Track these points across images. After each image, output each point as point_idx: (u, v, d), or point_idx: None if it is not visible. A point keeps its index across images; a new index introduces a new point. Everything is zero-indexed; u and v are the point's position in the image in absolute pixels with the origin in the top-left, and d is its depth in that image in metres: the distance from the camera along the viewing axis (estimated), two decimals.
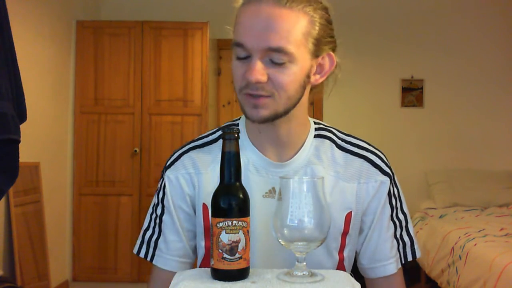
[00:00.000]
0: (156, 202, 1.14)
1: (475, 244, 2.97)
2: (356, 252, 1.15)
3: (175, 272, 1.06)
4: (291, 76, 0.97)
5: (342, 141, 1.12)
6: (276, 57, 0.95)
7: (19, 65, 1.50)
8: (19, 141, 1.42)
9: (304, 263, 0.86)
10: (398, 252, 1.12)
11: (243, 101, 1.01)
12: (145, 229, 1.15)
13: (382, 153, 1.15)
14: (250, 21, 0.96)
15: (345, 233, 1.08)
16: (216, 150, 1.10)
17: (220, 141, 0.89)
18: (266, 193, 1.06)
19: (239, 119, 1.17)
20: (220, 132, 1.12)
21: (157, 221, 1.13)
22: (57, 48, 3.70)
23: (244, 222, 0.85)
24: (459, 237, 3.20)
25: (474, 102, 4.59)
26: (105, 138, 3.93)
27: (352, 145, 1.12)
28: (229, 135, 0.89)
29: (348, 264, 1.12)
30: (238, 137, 0.89)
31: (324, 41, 1.02)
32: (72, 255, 3.89)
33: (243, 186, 0.89)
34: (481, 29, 4.60)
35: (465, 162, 4.52)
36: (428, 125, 4.59)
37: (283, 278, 0.85)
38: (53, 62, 3.66)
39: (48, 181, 3.48)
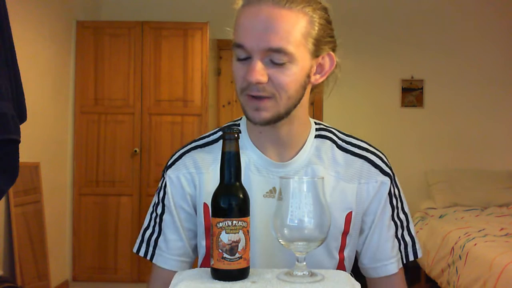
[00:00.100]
0: (157, 201, 1.14)
1: (475, 244, 2.97)
2: (357, 252, 1.15)
3: (175, 271, 1.08)
4: (292, 76, 0.98)
5: (343, 141, 1.13)
6: (276, 57, 0.96)
7: (19, 65, 1.50)
8: (19, 141, 1.42)
9: (304, 263, 0.86)
10: (399, 252, 1.13)
11: (244, 103, 1.01)
12: (145, 228, 1.16)
13: (383, 154, 1.15)
14: (250, 22, 0.96)
15: (345, 233, 1.08)
16: (217, 150, 1.10)
17: (221, 141, 0.89)
18: (267, 193, 1.06)
19: (240, 119, 1.17)
20: (221, 132, 1.12)
21: (157, 220, 1.13)
22: (57, 48, 3.70)
23: (244, 222, 0.85)
24: (459, 237, 3.20)
25: (474, 102, 4.59)
26: (105, 138, 3.93)
27: (353, 146, 1.12)
28: (229, 135, 0.89)
29: (348, 264, 1.12)
30: (238, 137, 0.89)
31: (324, 41, 1.02)
32: (72, 255, 3.89)
33: (243, 186, 0.89)
34: (481, 30, 4.60)
35: (465, 162, 4.52)
36: (428, 125, 4.59)
37: (283, 278, 0.85)
38: (53, 62, 3.66)
39: (48, 181, 3.48)
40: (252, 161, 1.08)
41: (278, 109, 1.00)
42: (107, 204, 3.91)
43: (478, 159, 4.53)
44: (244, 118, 1.14)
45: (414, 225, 1.19)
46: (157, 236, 1.13)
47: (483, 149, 4.56)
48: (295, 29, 0.96)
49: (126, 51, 3.94)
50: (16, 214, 3.06)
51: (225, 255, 0.84)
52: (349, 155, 1.11)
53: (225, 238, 0.84)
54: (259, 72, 0.96)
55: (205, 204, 1.08)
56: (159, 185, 1.15)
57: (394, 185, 1.13)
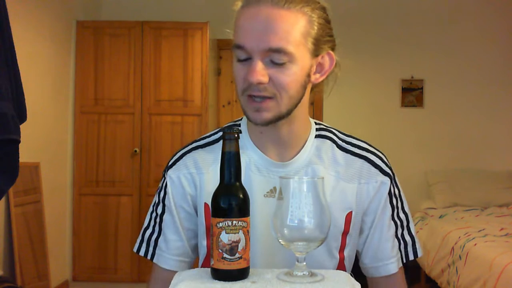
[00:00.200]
0: (157, 201, 1.15)
1: (475, 244, 2.97)
2: (357, 252, 1.16)
3: (175, 271, 1.08)
4: (292, 76, 0.98)
5: (343, 141, 1.13)
6: (276, 57, 0.96)
7: (19, 65, 1.50)
8: (19, 141, 1.42)
9: (304, 263, 0.86)
10: (399, 252, 1.13)
11: (245, 104, 1.02)
12: (145, 227, 1.16)
13: (383, 154, 1.16)
14: (250, 23, 0.97)
15: (345, 233, 1.08)
16: (218, 150, 1.10)
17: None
18: (268, 192, 1.06)
19: (241, 119, 1.17)
20: (222, 132, 1.12)
21: (158, 220, 1.14)
22: (57, 48, 3.70)
23: (244, 222, 0.85)
24: (459, 237, 3.20)
25: (474, 102, 4.59)
26: (105, 138, 3.93)
27: (353, 146, 1.13)
28: (229, 135, 0.89)
29: (348, 263, 1.12)
30: (238, 137, 0.89)
31: (323, 40, 1.02)
32: (72, 255, 3.89)
33: (243, 186, 0.89)
34: (481, 30, 4.60)
35: (465, 162, 4.52)
36: (428, 125, 4.59)
37: (283, 278, 0.85)
38: (53, 62, 3.66)
39: (48, 181, 3.48)
40: (253, 161, 1.08)
41: (279, 109, 1.00)
42: (107, 204, 3.91)
43: (478, 159, 4.52)
44: (244, 118, 1.15)
45: (414, 225, 1.19)
46: (157, 236, 1.13)
47: (483, 149, 4.56)
48: (295, 29, 0.97)
49: (126, 51, 3.94)
50: (16, 214, 3.06)
51: (225, 255, 0.84)
52: (349, 155, 1.11)
53: (225, 238, 0.84)
54: (260, 72, 0.96)
55: (205, 204, 1.08)
56: (160, 185, 1.15)
57: (394, 185, 1.13)
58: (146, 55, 3.93)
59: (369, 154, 1.12)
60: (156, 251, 1.13)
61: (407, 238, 1.15)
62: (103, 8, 4.57)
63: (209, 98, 3.99)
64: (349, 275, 0.91)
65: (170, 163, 1.14)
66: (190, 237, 1.13)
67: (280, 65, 0.97)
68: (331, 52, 1.06)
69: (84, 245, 3.89)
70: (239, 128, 1.12)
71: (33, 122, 2.57)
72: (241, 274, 0.85)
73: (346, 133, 1.16)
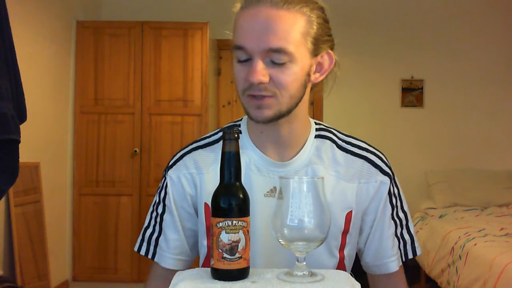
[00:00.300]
0: (158, 200, 1.15)
1: (475, 244, 2.97)
2: (358, 251, 1.17)
3: (174, 270, 1.09)
4: (292, 76, 0.99)
5: (343, 141, 1.14)
6: (276, 57, 0.97)
7: (19, 65, 1.50)
8: (19, 141, 1.42)
9: (304, 263, 0.86)
10: (399, 250, 1.14)
11: (246, 103, 1.02)
12: (146, 227, 1.17)
13: (382, 153, 1.16)
14: (249, 24, 0.98)
15: (345, 232, 1.09)
16: (218, 150, 1.10)
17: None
18: (268, 192, 1.07)
19: (241, 119, 1.18)
20: (222, 133, 1.13)
21: (158, 219, 1.15)
22: (57, 48, 3.70)
23: (244, 222, 0.85)
24: (459, 237, 3.20)
25: (474, 102, 4.59)
26: (105, 138, 3.93)
27: (353, 146, 1.13)
28: (229, 135, 0.89)
29: (348, 262, 1.13)
30: (238, 137, 0.89)
31: (322, 40, 1.03)
32: (72, 255, 3.89)
33: (243, 186, 0.89)
34: (481, 30, 4.60)
35: (465, 162, 4.52)
36: (428, 125, 4.59)
37: (283, 278, 0.85)
38: (53, 62, 3.66)
39: (48, 181, 3.48)
40: (253, 161, 1.09)
41: (279, 107, 1.01)
42: (107, 204, 3.91)
43: (478, 159, 4.52)
44: (244, 118, 1.15)
45: (414, 225, 1.21)
46: (157, 235, 1.14)
47: (483, 149, 4.56)
48: (294, 29, 0.97)
49: (126, 51, 3.94)
50: (16, 214, 3.06)
51: (225, 255, 0.84)
52: (349, 155, 1.12)
53: (225, 238, 0.84)
54: (261, 72, 0.97)
55: (206, 204, 1.09)
56: (160, 184, 1.16)
57: (394, 184, 1.14)
58: (146, 55, 3.93)
59: (369, 154, 1.13)
60: (157, 250, 1.14)
61: (406, 236, 1.16)
62: (103, 8, 4.57)
63: (209, 98, 3.99)
64: (349, 275, 0.91)
65: (170, 163, 1.15)
66: (190, 236, 1.14)
67: (280, 65, 0.97)
68: (330, 51, 1.07)
69: (84, 245, 3.89)
70: (239, 128, 1.13)
71: (33, 122, 2.57)
72: (241, 274, 0.85)
73: (345, 133, 1.17)
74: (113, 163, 3.92)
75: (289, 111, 1.02)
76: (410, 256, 1.16)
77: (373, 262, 1.14)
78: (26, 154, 2.34)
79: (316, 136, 1.12)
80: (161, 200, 1.14)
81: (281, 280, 0.84)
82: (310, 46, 1.01)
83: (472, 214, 3.90)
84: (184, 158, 1.13)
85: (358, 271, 1.16)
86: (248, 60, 0.99)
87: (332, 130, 1.16)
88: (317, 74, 1.06)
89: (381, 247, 1.12)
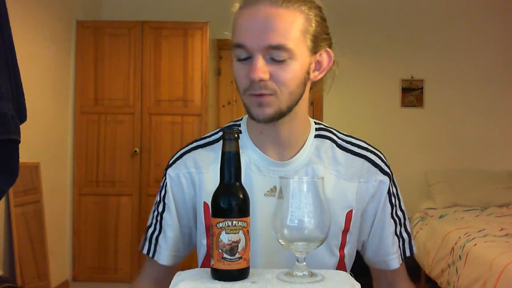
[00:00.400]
0: (158, 199, 1.17)
1: (475, 244, 2.97)
2: (362, 248, 1.18)
3: (165, 269, 1.13)
4: (292, 73, 1.00)
5: (343, 141, 1.14)
6: (276, 54, 0.98)
7: (19, 65, 1.50)
8: (19, 141, 1.42)
9: (304, 263, 0.86)
10: (399, 249, 1.16)
11: (248, 102, 1.03)
12: (148, 226, 1.18)
13: (382, 153, 1.17)
14: (249, 22, 0.99)
15: (346, 231, 1.10)
16: (218, 150, 1.11)
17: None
18: (268, 191, 1.07)
19: (241, 119, 1.18)
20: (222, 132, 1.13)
21: (159, 218, 1.16)
22: (57, 48, 3.70)
23: (244, 222, 0.85)
24: (459, 237, 3.20)
25: (474, 102, 4.59)
26: (105, 138, 3.93)
27: (353, 145, 1.14)
28: (229, 135, 0.89)
29: (348, 261, 1.13)
30: (238, 137, 0.89)
31: (321, 38, 1.05)
32: (72, 255, 3.89)
33: (243, 186, 0.89)
34: (481, 30, 4.60)
35: (465, 162, 4.52)
36: (428, 125, 4.59)
37: (283, 278, 0.85)
38: (53, 62, 3.66)
39: (48, 181, 3.48)
40: (253, 160, 1.09)
41: (279, 105, 1.01)
42: (107, 204, 3.91)
43: (478, 159, 4.52)
44: (244, 118, 1.16)
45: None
46: (158, 234, 1.15)
47: (483, 149, 4.56)
48: (293, 26, 0.99)
49: (126, 51, 3.94)
50: (16, 214, 3.06)
51: (225, 255, 0.84)
52: (349, 154, 1.12)
53: (225, 238, 0.84)
54: (261, 69, 0.98)
55: (205, 204, 1.09)
56: (161, 184, 1.17)
57: (393, 183, 1.15)
58: (146, 55, 3.93)
59: (369, 153, 1.14)
60: (157, 249, 1.15)
61: (404, 235, 1.17)
62: (103, 8, 4.57)
63: (209, 98, 3.99)
64: (349, 275, 0.91)
65: (170, 162, 1.16)
66: (186, 234, 1.16)
67: (280, 62, 0.98)
68: (329, 49, 1.08)
69: (84, 245, 3.89)
70: (239, 128, 1.13)
71: (33, 122, 2.57)
72: (241, 274, 0.85)
73: (345, 133, 1.18)
74: (113, 163, 3.92)
75: (289, 109, 1.03)
76: (408, 254, 1.17)
77: (375, 259, 1.16)
78: (26, 154, 2.35)
79: (316, 136, 1.12)
80: (161, 199, 1.15)
81: (281, 280, 0.84)
82: (309, 43, 1.02)
83: (472, 214, 3.90)
84: (183, 157, 1.14)
85: (358, 271, 1.17)
86: (247, 59, 1.00)
87: (332, 130, 1.16)
88: (316, 72, 1.07)
89: (382, 245, 1.14)
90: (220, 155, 0.90)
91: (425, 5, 4.61)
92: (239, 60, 1.01)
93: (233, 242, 0.84)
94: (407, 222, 1.18)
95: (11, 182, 1.43)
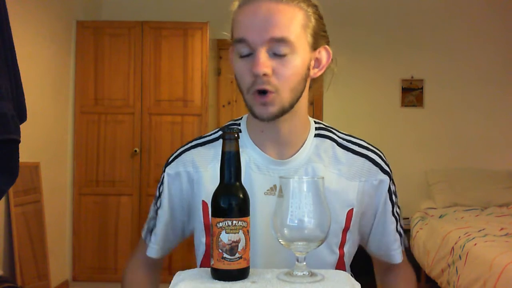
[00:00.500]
0: (157, 195, 1.19)
1: (475, 244, 2.97)
2: (365, 245, 1.20)
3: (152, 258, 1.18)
4: (293, 69, 1.01)
5: (343, 140, 1.15)
6: (278, 48, 0.99)
7: (19, 65, 1.50)
8: (19, 141, 1.42)
9: (304, 263, 0.86)
10: (401, 245, 1.19)
11: (251, 101, 1.03)
12: (149, 218, 1.22)
13: (381, 152, 1.18)
14: (250, 18, 1.00)
15: (346, 229, 1.10)
16: (216, 148, 1.12)
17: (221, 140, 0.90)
18: (268, 190, 1.08)
19: (240, 118, 1.19)
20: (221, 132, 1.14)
21: (155, 214, 1.19)
22: (57, 48, 3.70)
23: (244, 222, 0.85)
24: (459, 237, 3.20)
25: (474, 102, 4.59)
26: (105, 138, 3.93)
27: (353, 144, 1.15)
28: (229, 135, 0.89)
29: (348, 259, 1.14)
30: (238, 137, 0.89)
31: (320, 35, 1.07)
32: (72, 255, 3.89)
33: (243, 186, 0.89)
34: (481, 30, 4.60)
35: (465, 162, 4.52)
36: (428, 125, 4.59)
37: (283, 278, 0.85)
38: (53, 62, 3.66)
39: (48, 181, 3.48)
40: (252, 159, 1.10)
41: (282, 102, 1.02)
42: (107, 204, 3.91)
43: (478, 159, 4.52)
44: (244, 117, 1.17)
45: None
46: (152, 228, 1.19)
47: (483, 149, 4.55)
48: (294, 21, 1.00)
49: (126, 51, 3.94)
50: (16, 214, 3.06)
51: (225, 255, 0.84)
52: (350, 153, 1.13)
53: (225, 238, 0.84)
54: (264, 63, 0.99)
55: (203, 202, 1.10)
56: (160, 180, 1.19)
57: (392, 182, 1.17)
58: (146, 55, 3.93)
59: (370, 152, 1.14)
60: (151, 239, 1.19)
61: (401, 230, 1.20)
62: (103, 8, 4.57)
63: (209, 98, 3.99)
64: (349, 275, 0.91)
65: (169, 160, 1.17)
66: (178, 230, 1.19)
67: (282, 56, 1.00)
68: (327, 47, 1.09)
69: (84, 245, 3.89)
70: (239, 127, 1.13)
71: (33, 122, 2.57)
72: (241, 274, 0.85)
73: (344, 132, 1.19)
74: (113, 163, 3.92)
75: (291, 106, 1.04)
76: (402, 248, 1.21)
77: (378, 253, 1.19)
78: (26, 154, 2.34)
79: (316, 135, 1.13)
80: (159, 195, 1.18)
81: (281, 280, 0.84)
82: (309, 39, 1.03)
83: (472, 214, 3.89)
84: (182, 156, 1.15)
85: (358, 271, 1.17)
86: (249, 56, 1.01)
87: (332, 129, 1.17)
88: (316, 70, 1.09)
89: (384, 242, 1.16)
90: (219, 154, 0.90)
91: (425, 5, 4.61)
92: (241, 57, 1.02)
93: (233, 242, 0.84)
94: (401, 219, 1.21)
95: (11, 182, 1.43)
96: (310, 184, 0.85)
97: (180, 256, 3.77)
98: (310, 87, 1.11)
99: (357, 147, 1.14)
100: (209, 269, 0.87)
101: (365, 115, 4.58)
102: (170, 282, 0.87)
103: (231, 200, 0.86)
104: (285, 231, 0.84)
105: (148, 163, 3.92)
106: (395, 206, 1.17)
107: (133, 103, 3.93)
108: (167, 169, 1.16)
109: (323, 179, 0.87)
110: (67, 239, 3.87)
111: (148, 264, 1.21)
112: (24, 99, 1.51)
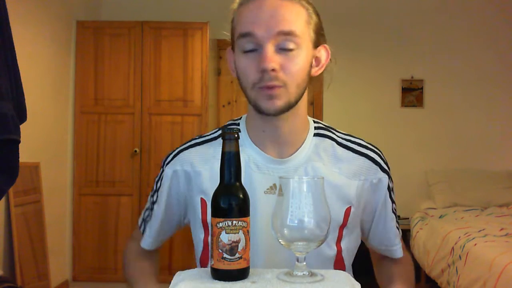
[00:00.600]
0: (154, 189, 1.21)
1: (475, 244, 2.97)
2: (366, 240, 1.21)
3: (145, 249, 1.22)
4: (299, 64, 1.02)
5: (342, 139, 1.16)
6: (286, 42, 1.00)
7: (19, 65, 1.50)
8: (19, 141, 1.42)
9: (304, 263, 0.86)
10: (402, 240, 1.20)
11: (257, 96, 1.03)
12: (145, 209, 1.25)
13: (380, 150, 1.19)
14: (256, 13, 1.01)
15: (342, 226, 1.11)
16: (215, 148, 1.13)
17: (221, 138, 0.90)
18: (268, 189, 1.08)
19: (240, 118, 1.19)
20: (221, 131, 1.14)
21: (151, 206, 1.21)
22: (57, 48, 3.70)
23: (244, 222, 0.85)
24: (459, 237, 3.20)
25: (474, 102, 4.59)
26: (105, 138, 3.93)
27: (353, 143, 1.16)
28: (229, 135, 0.89)
29: (347, 255, 1.14)
30: (238, 137, 0.89)
31: (320, 33, 1.08)
32: (72, 255, 3.89)
33: (243, 186, 0.89)
34: (481, 30, 4.60)
35: (465, 162, 4.52)
36: (428, 125, 4.60)
37: (283, 278, 0.85)
38: (53, 62, 3.66)
39: (48, 181, 3.48)
40: (252, 158, 1.10)
41: (289, 97, 1.03)
42: (107, 204, 3.91)
43: (478, 159, 4.52)
44: (243, 117, 1.17)
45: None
46: (148, 220, 1.22)
47: (483, 149, 4.56)
48: (299, 17, 1.02)
49: (126, 51, 3.94)
50: (16, 214, 3.06)
51: (225, 255, 0.84)
52: (350, 152, 1.14)
53: (225, 238, 0.84)
54: (273, 58, 0.99)
55: (202, 199, 1.11)
56: (158, 175, 1.20)
57: (391, 180, 1.18)
58: (146, 55, 3.93)
59: (369, 151, 1.15)
60: (143, 234, 1.23)
61: (398, 226, 1.22)
62: (103, 8, 4.57)
63: (209, 98, 3.99)
64: (349, 275, 0.91)
65: (168, 158, 1.18)
66: (173, 225, 1.21)
67: (288, 52, 1.00)
68: (326, 45, 1.11)
69: (84, 245, 3.89)
70: (238, 127, 1.13)
71: (33, 122, 2.57)
72: (241, 274, 0.85)
73: (342, 131, 1.20)
74: (113, 163, 3.92)
75: (296, 102, 1.05)
76: (402, 243, 1.22)
77: (379, 248, 1.20)
78: (26, 154, 2.34)
79: (315, 135, 1.14)
80: (156, 190, 1.19)
81: (281, 280, 0.84)
82: (312, 35, 1.05)
83: (472, 214, 3.89)
84: (180, 154, 1.16)
85: (358, 271, 1.17)
86: (253, 51, 1.01)
87: (331, 129, 1.18)
88: (316, 68, 1.10)
89: (386, 239, 1.17)
90: (217, 153, 0.91)
91: (425, 5, 4.61)
92: (245, 52, 1.02)
93: (233, 242, 0.84)
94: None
95: (11, 182, 1.43)
96: (310, 184, 0.85)
97: (180, 256, 3.78)
98: (308, 87, 1.11)
99: (356, 146, 1.15)
100: (209, 269, 0.87)
101: (365, 115, 4.58)
102: (170, 282, 0.87)
103: (231, 200, 0.86)
104: (285, 231, 0.84)
105: (148, 163, 3.92)
106: (393, 203, 1.18)
107: (133, 103, 3.93)
108: (165, 168, 1.17)
109: (323, 179, 0.87)
110: (67, 239, 3.87)
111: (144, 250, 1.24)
112: (24, 99, 1.51)
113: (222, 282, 0.84)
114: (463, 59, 4.60)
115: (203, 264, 1.14)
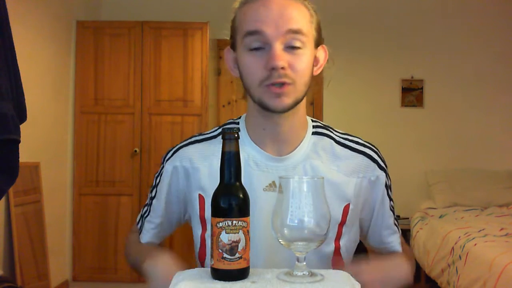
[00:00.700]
0: (154, 185, 1.21)
1: (475, 244, 2.97)
2: (365, 238, 1.21)
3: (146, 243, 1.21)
4: (306, 63, 1.04)
5: (340, 138, 1.17)
6: (294, 40, 1.01)
7: (19, 65, 1.50)
8: (19, 141, 1.42)
9: (304, 263, 0.86)
10: (400, 236, 1.21)
11: (263, 94, 1.03)
12: (145, 204, 1.24)
13: (377, 148, 1.20)
14: (263, 11, 1.02)
15: (342, 223, 1.11)
16: (214, 145, 1.14)
17: (220, 137, 0.90)
18: (267, 186, 1.09)
19: (239, 118, 1.20)
20: (221, 130, 1.16)
21: (150, 200, 1.22)
22: (57, 48, 3.70)
23: (244, 222, 0.85)
24: (459, 237, 3.20)
25: (474, 102, 4.59)
26: (105, 138, 3.93)
27: (350, 141, 1.17)
28: (229, 135, 0.89)
29: (345, 252, 1.14)
30: (238, 137, 0.89)
31: (320, 33, 1.09)
32: (72, 255, 3.89)
33: (243, 186, 0.89)
34: (481, 30, 4.60)
35: (465, 162, 4.52)
36: (428, 125, 4.60)
37: (283, 278, 0.85)
38: (53, 62, 3.66)
39: (48, 181, 3.48)
40: (251, 156, 1.11)
41: (297, 94, 1.04)
42: (107, 204, 3.91)
43: (478, 159, 4.52)
44: (243, 116, 1.18)
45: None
46: (146, 216, 1.22)
47: (483, 149, 4.55)
48: (304, 16, 1.04)
49: (126, 51, 3.94)
50: (16, 214, 3.06)
51: (225, 255, 0.84)
52: (348, 150, 1.15)
53: (225, 238, 0.84)
54: (281, 56, 1.00)
55: (200, 196, 1.12)
56: (158, 171, 1.21)
57: (388, 177, 1.18)
58: (146, 55, 3.93)
59: (367, 149, 1.16)
60: (142, 229, 1.22)
61: (396, 223, 1.22)
62: (103, 8, 4.57)
63: (209, 98, 3.99)
64: (349, 275, 0.91)
65: (168, 155, 1.19)
66: (173, 221, 1.21)
67: (295, 50, 1.02)
68: (324, 46, 1.12)
69: (84, 245, 3.89)
70: (238, 126, 1.15)
71: (33, 122, 2.57)
72: (241, 274, 0.85)
73: (340, 130, 1.21)
74: (113, 163, 3.92)
75: (301, 99, 1.07)
76: (401, 239, 1.22)
77: (377, 246, 1.20)
78: (26, 154, 2.34)
79: (314, 133, 1.15)
80: (155, 186, 1.20)
81: (281, 280, 0.84)
82: (315, 34, 1.06)
83: (472, 214, 3.90)
84: (180, 151, 1.17)
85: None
86: (260, 49, 1.02)
87: (329, 127, 1.19)
88: (315, 68, 1.11)
89: (384, 236, 1.18)
90: (216, 151, 0.91)
91: (425, 5, 4.61)
92: (250, 50, 1.03)
93: (233, 242, 0.84)
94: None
95: (11, 182, 1.43)
96: (310, 184, 0.85)
97: (180, 255, 3.77)
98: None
99: (354, 144, 1.16)
100: (209, 269, 0.87)
101: (365, 115, 4.58)
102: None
103: (231, 200, 0.86)
104: (285, 231, 0.84)
105: (148, 163, 3.92)
106: (391, 201, 1.19)
107: (133, 103, 3.93)
108: (165, 164, 1.18)
109: (323, 179, 0.87)
110: (67, 239, 3.87)
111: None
112: (24, 99, 1.52)
113: (222, 282, 0.84)
114: (463, 59, 4.60)
115: (201, 260, 1.15)
